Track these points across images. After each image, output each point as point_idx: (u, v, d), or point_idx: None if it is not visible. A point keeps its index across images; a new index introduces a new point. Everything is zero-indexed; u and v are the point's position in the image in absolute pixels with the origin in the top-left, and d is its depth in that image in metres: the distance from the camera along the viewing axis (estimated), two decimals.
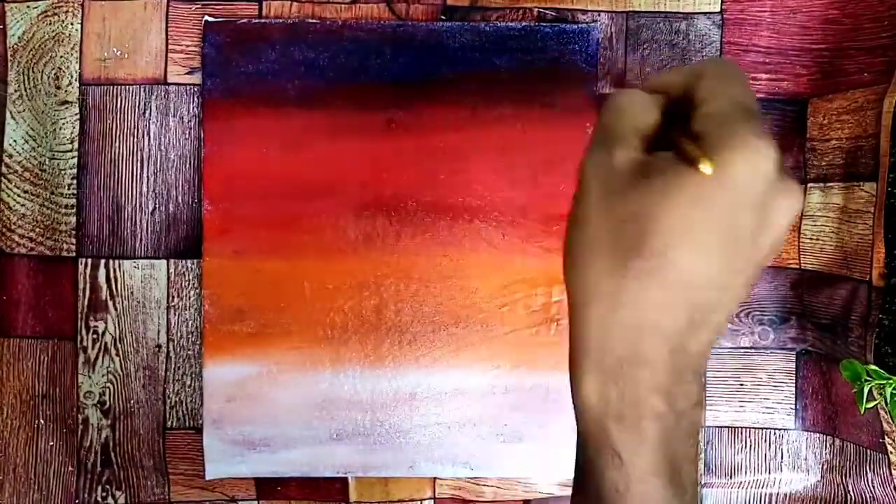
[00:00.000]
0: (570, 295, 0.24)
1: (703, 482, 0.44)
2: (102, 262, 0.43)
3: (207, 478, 0.43)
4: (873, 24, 0.41)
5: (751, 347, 0.44)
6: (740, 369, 0.44)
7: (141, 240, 0.43)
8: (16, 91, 0.42)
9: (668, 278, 0.23)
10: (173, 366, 0.43)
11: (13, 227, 0.43)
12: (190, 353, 0.43)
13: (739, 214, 0.23)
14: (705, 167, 0.22)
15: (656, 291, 0.23)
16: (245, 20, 0.42)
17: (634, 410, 0.24)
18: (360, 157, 0.42)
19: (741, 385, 0.44)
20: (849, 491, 0.43)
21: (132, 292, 0.43)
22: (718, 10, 0.43)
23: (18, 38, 0.42)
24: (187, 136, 0.43)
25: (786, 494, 0.44)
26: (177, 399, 0.43)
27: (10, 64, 0.42)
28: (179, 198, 0.43)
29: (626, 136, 0.24)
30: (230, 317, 0.42)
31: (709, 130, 0.23)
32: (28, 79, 0.42)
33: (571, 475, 0.43)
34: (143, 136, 0.43)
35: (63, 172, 0.42)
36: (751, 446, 0.44)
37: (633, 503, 0.24)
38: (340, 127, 0.42)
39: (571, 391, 0.25)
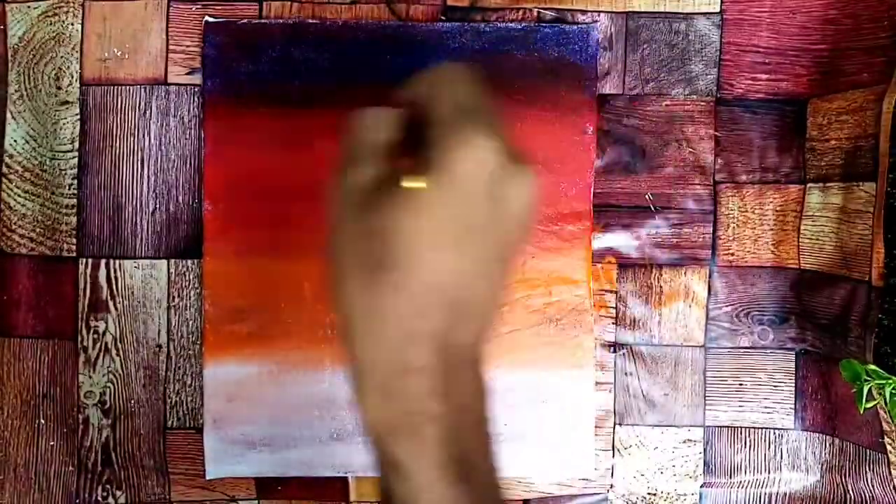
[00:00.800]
0: (337, 318, 0.25)
1: (702, 482, 0.44)
2: (103, 261, 0.43)
3: (208, 477, 0.43)
4: (873, 25, 0.41)
5: (750, 347, 0.44)
6: (740, 369, 0.44)
7: (141, 240, 0.43)
8: (16, 91, 0.42)
9: (416, 285, 0.23)
10: (174, 365, 0.43)
11: (14, 227, 0.43)
12: (190, 352, 0.43)
13: (468, 209, 0.24)
14: (417, 182, 0.23)
15: (409, 300, 0.24)
16: (245, 20, 0.42)
17: (411, 419, 0.24)
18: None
19: (741, 385, 0.44)
20: (848, 491, 0.43)
21: (133, 292, 0.43)
22: (718, 10, 0.43)
23: (19, 38, 0.42)
24: (188, 136, 0.43)
25: (785, 494, 0.44)
26: (177, 399, 0.43)
27: (10, 64, 0.42)
28: (180, 198, 0.43)
29: (361, 156, 0.25)
30: (230, 317, 0.42)
31: (433, 137, 0.24)
32: (28, 79, 0.42)
33: (569, 475, 0.43)
34: (144, 137, 0.43)
35: (63, 172, 0.43)
36: (750, 446, 0.44)
37: None
38: (340, 127, 0.42)
39: (356, 411, 0.25)
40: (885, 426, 0.39)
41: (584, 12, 0.43)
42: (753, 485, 0.44)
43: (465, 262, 0.24)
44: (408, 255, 0.23)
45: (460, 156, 0.23)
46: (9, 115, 0.42)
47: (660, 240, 0.44)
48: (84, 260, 0.43)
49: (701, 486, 0.44)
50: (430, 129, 0.25)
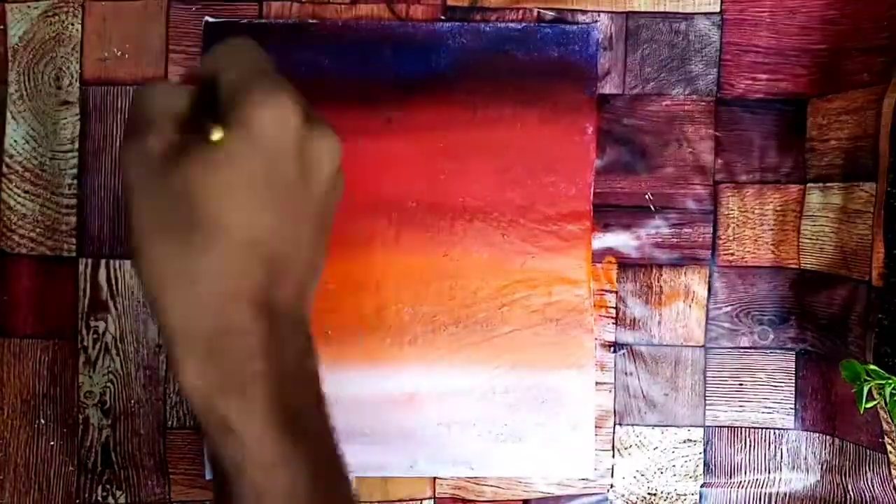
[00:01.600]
0: (144, 285, 0.24)
1: (702, 482, 0.44)
2: (103, 262, 0.43)
3: (208, 477, 0.43)
4: (873, 25, 0.41)
5: (750, 347, 0.44)
6: (740, 369, 0.44)
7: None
8: (16, 91, 0.42)
9: (229, 243, 0.23)
10: None
11: (14, 227, 0.43)
12: None
13: (274, 165, 0.24)
14: (215, 134, 0.23)
15: (222, 259, 0.23)
16: (245, 21, 0.42)
17: (236, 379, 0.24)
18: (360, 157, 0.42)
19: (740, 385, 0.44)
20: (848, 490, 0.43)
21: (133, 292, 0.43)
22: (718, 10, 0.43)
23: (19, 38, 0.42)
24: None
25: (785, 494, 0.44)
26: (177, 399, 0.43)
27: (10, 64, 0.42)
28: None
29: (155, 122, 0.24)
30: None
31: (227, 99, 0.24)
32: (29, 79, 0.42)
33: (569, 474, 0.43)
34: None
35: (64, 172, 0.43)
36: (750, 446, 0.44)
37: (254, 465, 0.24)
38: (341, 127, 0.42)
39: (176, 380, 0.25)
40: (885, 426, 0.39)
41: (584, 12, 0.43)
42: (753, 485, 0.44)
43: (276, 218, 0.24)
44: (215, 213, 0.23)
45: (261, 111, 0.23)
46: (9, 115, 0.42)
47: (660, 240, 0.44)
48: (84, 260, 0.43)
49: (701, 486, 0.44)
50: (226, 93, 0.24)
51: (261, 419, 0.24)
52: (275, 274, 0.24)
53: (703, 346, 0.44)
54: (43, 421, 0.43)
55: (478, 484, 0.44)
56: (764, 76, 0.43)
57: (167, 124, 0.24)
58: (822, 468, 0.44)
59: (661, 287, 0.44)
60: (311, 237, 0.26)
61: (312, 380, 0.26)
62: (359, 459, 0.43)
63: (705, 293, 0.44)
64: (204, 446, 0.26)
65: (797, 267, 0.43)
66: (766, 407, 0.44)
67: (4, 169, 0.42)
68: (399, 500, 0.44)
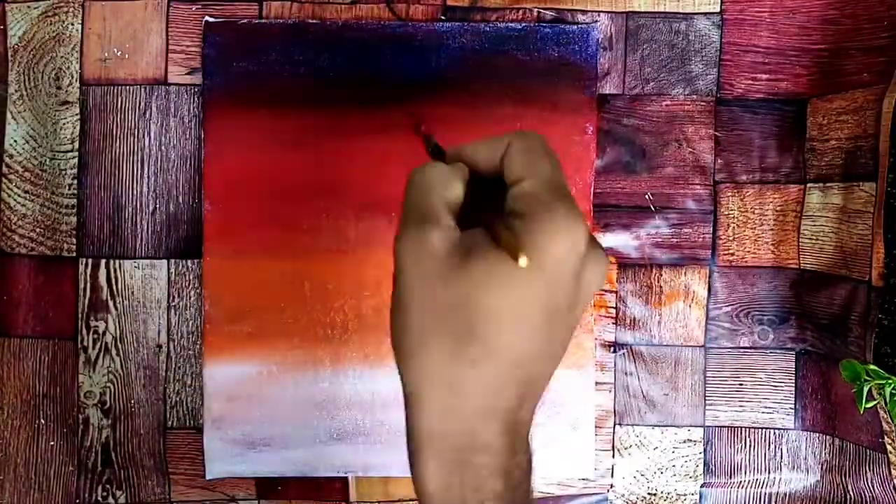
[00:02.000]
0: (406, 383, 0.24)
1: (702, 482, 0.44)
2: (103, 262, 0.43)
3: (208, 477, 0.43)
4: (872, 25, 0.41)
5: (750, 347, 0.44)
6: (740, 369, 0.44)
7: (141, 240, 0.43)
8: (16, 91, 0.42)
9: (499, 362, 0.23)
10: (174, 365, 0.43)
11: (14, 227, 0.43)
12: (190, 352, 0.43)
13: (556, 292, 0.23)
14: (522, 260, 0.22)
15: (489, 375, 0.23)
16: (245, 21, 0.42)
17: (476, 496, 0.24)
18: (360, 157, 0.42)
19: (741, 385, 0.44)
20: (848, 490, 0.43)
21: (133, 292, 0.43)
22: (718, 10, 0.43)
23: (19, 38, 0.42)
24: (188, 136, 0.43)
25: (785, 494, 0.44)
26: (177, 399, 0.43)
27: (10, 64, 0.42)
28: (180, 198, 0.43)
29: (438, 215, 0.24)
30: (231, 317, 0.42)
31: (523, 211, 0.23)
32: (29, 79, 0.42)
33: (569, 474, 0.43)
34: (144, 137, 0.43)
35: (64, 172, 0.43)
36: (750, 446, 0.44)
37: None
38: (340, 127, 0.42)
39: (413, 478, 0.25)
40: (885, 426, 0.39)
41: (584, 12, 0.43)
42: (753, 485, 0.44)
43: (544, 343, 0.24)
44: (494, 332, 0.23)
45: (557, 241, 0.23)
46: (9, 115, 0.42)
47: (660, 240, 0.44)
48: (84, 260, 0.43)
49: (701, 486, 0.44)
50: (513, 202, 0.24)
51: None
52: (526, 394, 0.24)
53: (702, 346, 0.44)
54: (43, 421, 0.43)
55: None
56: (764, 76, 0.43)
57: (447, 217, 0.24)
58: (822, 468, 0.44)
59: (661, 287, 0.44)
60: (559, 356, 0.25)
61: (529, 497, 0.26)
62: (359, 459, 0.43)
63: (705, 293, 0.44)
64: None
65: (797, 267, 0.43)
66: (766, 407, 0.44)
67: (4, 169, 0.42)
68: (399, 500, 0.44)
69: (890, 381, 0.37)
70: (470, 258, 0.23)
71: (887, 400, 0.37)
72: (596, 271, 0.25)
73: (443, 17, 0.43)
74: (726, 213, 0.44)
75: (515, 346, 0.23)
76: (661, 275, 0.44)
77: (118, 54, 0.42)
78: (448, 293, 0.23)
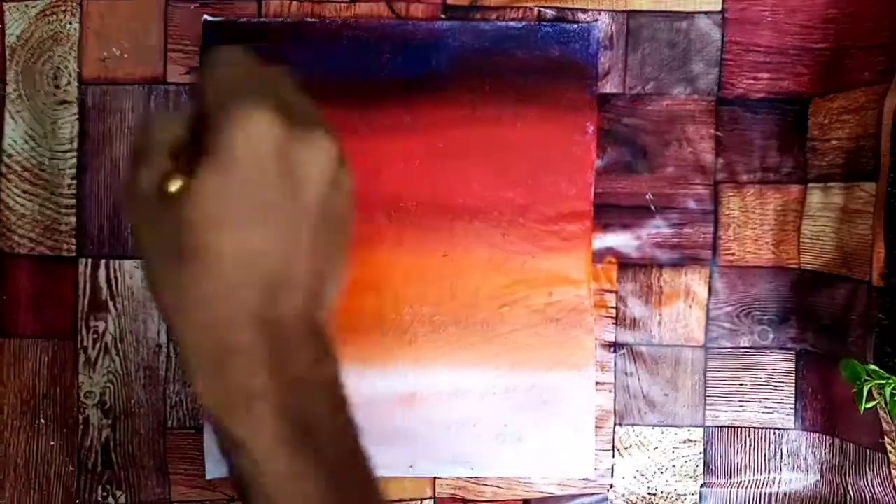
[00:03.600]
0: (159, 310, 0.25)
1: (703, 482, 0.44)
2: (103, 262, 0.43)
3: (208, 477, 0.43)
4: (874, 24, 0.41)
5: (750, 347, 0.44)
6: (740, 369, 0.44)
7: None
8: (15, 91, 0.42)
9: (222, 268, 0.23)
10: (174, 366, 0.43)
11: (13, 227, 0.43)
12: None
13: (257, 185, 0.24)
14: (171, 185, 0.23)
15: (218, 284, 0.24)
16: (244, 19, 0.42)
17: (242, 396, 0.24)
18: (360, 156, 0.42)
19: (741, 385, 0.44)
20: (848, 490, 0.43)
21: (132, 292, 0.43)
22: (719, 9, 0.43)
23: (17, 37, 0.42)
24: None
25: (785, 494, 0.44)
26: (177, 399, 0.43)
27: (8, 63, 0.42)
28: None
29: (149, 156, 0.24)
30: None
31: (208, 120, 0.24)
32: (27, 78, 0.42)
33: (569, 474, 0.43)
34: None
35: (63, 172, 0.42)
36: (750, 446, 0.44)
37: (266, 479, 0.24)
38: (340, 127, 0.42)
39: (193, 398, 0.26)
40: (886, 426, 0.39)
41: (584, 11, 0.43)
42: (753, 485, 0.44)
43: (268, 237, 0.24)
44: (204, 243, 0.23)
45: (232, 134, 0.23)
46: (7, 115, 0.42)
47: (660, 240, 0.44)
48: (84, 260, 0.43)
49: (701, 486, 0.44)
50: (205, 117, 0.24)
51: (269, 434, 0.24)
52: (275, 289, 0.25)
53: (703, 346, 0.44)
54: (43, 421, 0.43)
55: (478, 484, 0.44)
56: (765, 75, 0.43)
57: (161, 155, 0.24)
58: (822, 468, 0.44)
59: (661, 287, 0.44)
60: (315, 246, 0.26)
61: (328, 386, 0.26)
62: None
63: (706, 293, 0.44)
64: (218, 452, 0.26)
65: (798, 267, 0.43)
66: (766, 407, 0.44)
67: (3, 168, 0.42)
68: (399, 500, 0.44)
69: (890, 382, 0.37)
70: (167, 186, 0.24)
71: (887, 400, 0.37)
72: (311, 152, 0.25)
73: (443, 16, 0.42)
74: (727, 212, 0.43)
75: (234, 250, 0.24)
76: (662, 275, 0.44)
77: (117, 53, 0.42)
78: (160, 223, 0.24)
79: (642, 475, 0.44)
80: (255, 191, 0.24)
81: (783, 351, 0.44)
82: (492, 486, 0.44)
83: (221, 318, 0.24)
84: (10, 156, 0.42)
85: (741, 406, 0.44)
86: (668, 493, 0.44)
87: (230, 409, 0.24)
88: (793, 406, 0.44)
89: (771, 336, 0.44)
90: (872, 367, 0.38)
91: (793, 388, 0.44)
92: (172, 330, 0.25)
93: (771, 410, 0.44)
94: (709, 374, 0.44)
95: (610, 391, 0.44)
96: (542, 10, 0.42)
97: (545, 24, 0.42)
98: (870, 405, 0.38)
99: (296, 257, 0.25)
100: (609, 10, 0.43)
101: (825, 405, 0.43)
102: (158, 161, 0.24)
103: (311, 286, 0.26)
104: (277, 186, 0.24)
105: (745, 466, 0.44)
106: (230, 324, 0.24)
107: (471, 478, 0.44)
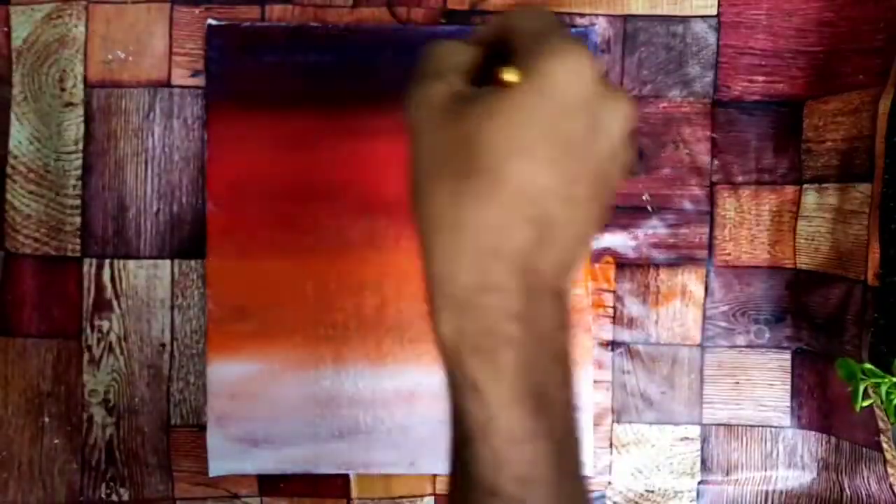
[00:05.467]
0: (417, 230, 0.24)
1: (700, 479, 0.45)
2: (107, 262, 0.43)
3: (211, 475, 0.43)
4: (869, 27, 0.41)
5: (747, 346, 0.44)
6: (736, 368, 0.44)
7: (145, 240, 0.43)
8: (20, 93, 0.43)
9: (505, 195, 0.22)
10: (177, 364, 0.43)
11: (18, 227, 0.43)
12: (194, 351, 0.43)
13: (565, 121, 0.23)
14: (509, 76, 0.22)
15: (495, 211, 0.22)
16: (248, 24, 0.43)
17: (489, 339, 0.23)
18: (361, 158, 0.43)
19: (737, 383, 0.44)
20: (844, 488, 0.43)
21: (136, 292, 0.43)
22: (715, 13, 0.43)
23: (23, 40, 0.43)
24: (191, 137, 0.43)
25: (782, 491, 0.45)
26: (181, 397, 0.43)
27: (14, 66, 0.43)
28: (183, 199, 0.43)
29: (442, 72, 0.24)
30: (233, 316, 0.43)
31: (523, 47, 0.23)
32: (33, 81, 0.43)
33: None
34: (147, 138, 0.43)
35: (68, 173, 0.43)
36: (746, 444, 0.44)
37: (497, 433, 0.23)
38: (341, 129, 0.43)
39: (432, 330, 0.24)
40: (881, 424, 0.40)
41: (582, 15, 0.43)
42: (749, 482, 0.45)
43: (556, 179, 0.23)
44: (494, 162, 0.22)
45: (556, 63, 0.22)
46: (13, 117, 0.43)
47: (657, 240, 0.44)
48: (88, 260, 0.43)
49: (698, 484, 0.45)
50: (515, 45, 0.24)
51: (509, 387, 0.22)
52: (543, 238, 0.23)
53: (699, 344, 0.44)
54: (47, 419, 0.43)
55: None
56: (760, 78, 0.43)
57: (455, 75, 0.24)
58: (818, 466, 0.44)
59: (658, 286, 0.44)
60: (588, 203, 0.24)
61: (564, 356, 0.25)
62: (360, 457, 0.43)
63: (702, 293, 0.44)
64: (448, 403, 0.25)
65: (793, 267, 0.44)
66: (762, 405, 0.44)
67: (9, 170, 0.43)
68: (400, 497, 0.44)
69: (885, 380, 0.37)
70: (473, 101, 0.23)
71: (883, 398, 0.38)
72: (615, 110, 0.24)
73: (443, 20, 0.43)
74: (723, 213, 0.44)
75: (519, 178, 0.22)
76: (659, 274, 0.44)
77: (122, 57, 0.43)
78: (449, 134, 0.23)
79: (640, 472, 0.44)
80: (563, 126, 0.22)
81: (779, 350, 0.44)
82: None
83: (488, 248, 0.22)
84: (15, 157, 0.43)
85: (737, 404, 0.44)
86: (666, 490, 0.45)
87: (475, 349, 0.23)
88: (789, 404, 0.44)
89: (767, 335, 0.44)
90: (868, 365, 0.38)
91: (789, 387, 0.44)
92: (427, 255, 0.23)
93: (767, 409, 0.44)
94: (705, 372, 0.44)
95: (608, 389, 0.44)
96: None
97: None
98: (865, 404, 0.38)
99: (573, 207, 0.23)
100: (606, 15, 0.43)
101: (821, 403, 0.43)
102: (453, 78, 0.24)
103: (572, 247, 0.24)
104: (583, 127, 0.23)
105: (742, 464, 0.44)
106: (495, 257, 0.22)
107: None
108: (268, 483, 0.44)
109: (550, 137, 0.22)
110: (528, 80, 0.22)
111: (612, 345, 0.44)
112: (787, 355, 0.44)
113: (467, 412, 0.23)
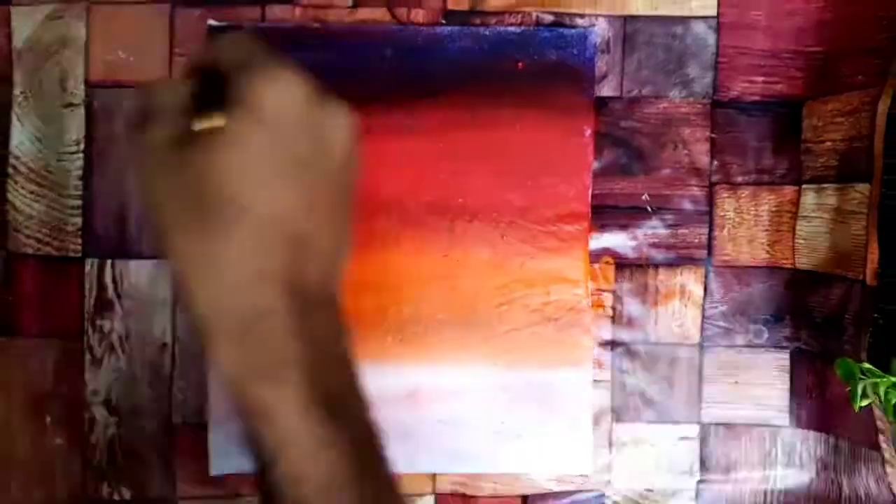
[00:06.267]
0: (174, 274, 0.24)
1: (698, 478, 0.45)
2: (109, 262, 0.43)
3: (213, 474, 0.43)
4: (868, 27, 0.41)
5: (745, 346, 0.44)
6: (735, 367, 0.44)
7: (146, 240, 0.43)
8: (22, 93, 0.43)
9: (249, 224, 0.23)
10: (179, 364, 0.44)
11: (20, 227, 0.43)
12: (195, 351, 0.43)
13: (286, 143, 0.23)
14: (215, 121, 0.23)
15: (244, 240, 0.23)
16: (248, 24, 0.43)
17: (272, 364, 0.23)
18: (361, 158, 0.43)
19: (735, 383, 0.44)
20: (843, 488, 0.43)
21: (138, 292, 0.43)
22: (714, 14, 0.43)
23: (24, 40, 0.43)
24: None
25: (780, 491, 0.45)
26: (182, 397, 0.44)
27: (16, 66, 0.43)
28: None
29: (158, 115, 0.24)
30: None
31: (231, 78, 0.24)
32: (34, 81, 0.43)
33: (567, 471, 0.44)
34: None
35: (69, 173, 0.43)
36: (745, 444, 0.45)
37: (294, 450, 0.23)
38: None
39: (214, 368, 0.24)
40: (880, 424, 0.40)
41: (582, 16, 0.43)
42: (749, 482, 0.45)
43: (294, 195, 0.24)
44: (229, 194, 0.22)
45: (263, 85, 0.23)
46: (14, 117, 0.43)
47: (656, 240, 0.44)
48: (90, 260, 0.43)
49: (697, 483, 0.45)
50: (228, 74, 0.24)
51: (297, 404, 0.23)
52: (299, 252, 0.24)
53: (698, 344, 0.44)
54: (49, 419, 0.43)
55: (477, 480, 0.45)
56: (760, 79, 0.43)
57: (172, 115, 0.24)
58: (816, 466, 0.44)
59: (657, 287, 0.44)
60: (332, 213, 0.25)
61: (348, 360, 0.26)
62: None
63: (701, 292, 0.44)
64: (240, 432, 0.25)
65: (792, 267, 0.44)
66: (761, 405, 0.44)
67: (10, 170, 0.43)
68: None
69: (884, 380, 0.37)
70: (194, 142, 0.23)
71: (881, 398, 0.38)
72: (335, 121, 0.25)
73: (443, 21, 0.43)
74: (722, 213, 0.44)
75: (260, 202, 0.23)
76: (658, 274, 0.44)
77: (123, 57, 0.43)
78: (180, 178, 0.23)
79: (639, 472, 0.45)
80: (286, 146, 0.23)
81: (778, 349, 0.44)
82: (491, 482, 0.44)
83: (249, 276, 0.23)
84: (17, 157, 0.43)
85: (736, 404, 0.44)
86: (665, 490, 0.45)
87: (258, 377, 0.23)
88: (787, 404, 0.44)
89: (766, 335, 0.44)
90: (867, 365, 0.38)
91: (787, 387, 0.44)
92: (190, 298, 0.23)
93: (766, 408, 0.44)
94: (704, 372, 0.44)
95: (607, 389, 0.44)
96: (541, 15, 0.43)
97: (543, 28, 0.43)
98: (864, 403, 0.38)
99: (319, 220, 0.25)
100: (606, 15, 0.43)
101: (820, 403, 0.44)
102: (171, 116, 0.24)
103: (330, 256, 0.25)
104: (306, 145, 0.24)
105: (741, 463, 0.44)
106: (257, 285, 0.23)
107: (470, 474, 0.44)
108: None
109: (276, 161, 0.23)
110: (240, 110, 0.23)
111: (612, 345, 0.44)
112: (786, 355, 0.44)
113: (262, 437, 0.23)
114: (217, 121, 0.23)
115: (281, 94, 0.23)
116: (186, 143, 0.23)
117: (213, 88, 0.25)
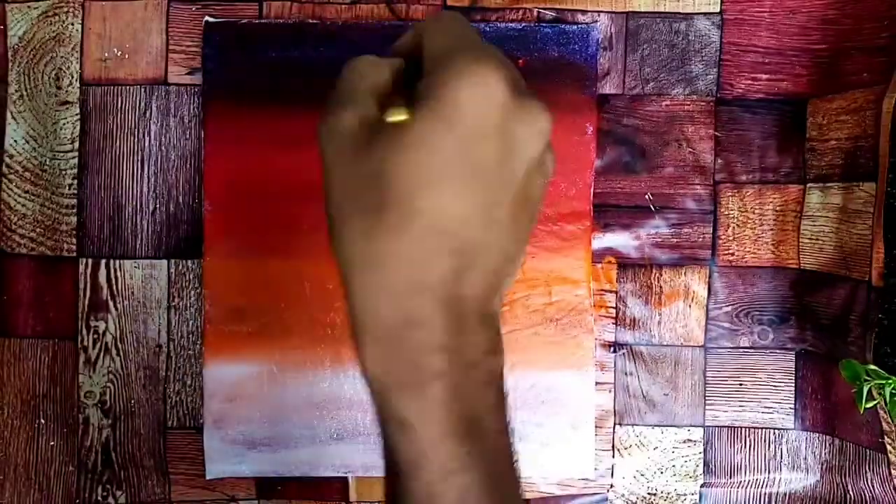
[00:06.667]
0: (337, 266, 0.23)
1: (702, 482, 0.44)
2: (103, 262, 0.43)
3: (208, 477, 0.43)
4: (873, 25, 0.41)
5: (750, 347, 0.44)
6: (739, 369, 0.44)
7: (142, 240, 0.43)
8: (16, 91, 0.42)
9: (418, 228, 0.21)
10: (174, 366, 0.43)
11: (14, 227, 0.43)
12: (190, 352, 0.43)
13: (474, 148, 0.22)
14: (397, 116, 0.22)
15: (411, 245, 0.22)
16: (245, 21, 0.42)
17: (415, 375, 0.22)
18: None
19: (740, 385, 0.44)
20: (848, 490, 0.43)
21: (133, 292, 0.43)
22: (718, 10, 0.43)
23: (19, 38, 0.42)
24: (188, 136, 0.43)
25: (785, 494, 0.44)
26: (177, 399, 0.43)
27: (10, 64, 0.42)
28: (180, 198, 0.43)
29: (355, 98, 0.23)
30: (231, 317, 0.42)
31: (429, 69, 0.23)
32: (29, 79, 0.42)
33: (569, 474, 0.43)
34: (144, 137, 0.43)
35: (64, 172, 0.43)
36: (750, 446, 0.44)
37: (428, 467, 0.22)
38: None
39: (358, 364, 0.23)
40: (885, 426, 0.39)
41: (584, 12, 0.43)
42: (753, 485, 0.44)
43: (471, 205, 0.22)
44: (405, 195, 0.21)
45: (458, 85, 0.21)
46: (9, 115, 0.42)
47: (660, 240, 0.44)
48: (84, 260, 0.43)
49: (701, 486, 0.44)
50: (425, 66, 0.23)
51: (439, 421, 0.22)
52: (464, 266, 0.23)
53: (702, 345, 0.44)
54: (43, 421, 0.43)
55: None
56: (764, 76, 0.43)
57: (367, 99, 0.23)
58: (822, 468, 0.44)
59: (660, 287, 0.44)
60: (510, 226, 0.24)
61: (495, 380, 0.25)
62: (359, 459, 0.43)
63: (705, 293, 0.44)
64: (379, 438, 0.25)
65: (797, 267, 0.44)
66: (765, 407, 0.44)
67: (4, 169, 0.43)
68: None
69: (890, 382, 0.37)
70: (380, 132, 0.22)
71: (887, 400, 0.37)
72: (530, 126, 0.23)
73: None
74: (726, 213, 0.44)
75: (432, 211, 0.21)
76: (661, 275, 0.44)
77: (118, 54, 0.42)
78: (363, 168, 0.22)
79: (642, 475, 0.44)
80: (472, 151, 0.22)
81: (783, 351, 0.44)
82: None
83: (408, 283, 0.22)
84: (11, 156, 0.42)
85: (741, 406, 0.44)
86: (668, 493, 0.44)
87: (402, 386, 0.22)
88: (792, 406, 0.44)
89: (770, 336, 0.44)
90: (872, 367, 0.38)
91: (792, 388, 0.44)
92: (349, 292, 0.22)
93: (771, 410, 0.44)
94: (708, 373, 0.44)
95: (610, 391, 0.44)
96: (542, 11, 0.43)
97: (545, 25, 0.43)
98: (869, 405, 0.38)
99: (492, 235, 0.23)
100: (608, 12, 0.43)
101: (825, 405, 0.43)
102: (364, 103, 0.23)
103: (497, 271, 0.24)
104: (493, 152, 0.22)
105: (745, 466, 0.44)
106: (416, 291, 0.22)
107: None
108: (265, 486, 0.44)
109: (459, 166, 0.22)
110: (431, 107, 0.21)
111: (615, 346, 0.44)
112: (791, 357, 0.44)
113: (397, 448, 0.23)
114: (402, 115, 0.22)
115: (477, 97, 0.21)
116: (376, 132, 0.22)
117: (416, 74, 0.24)
